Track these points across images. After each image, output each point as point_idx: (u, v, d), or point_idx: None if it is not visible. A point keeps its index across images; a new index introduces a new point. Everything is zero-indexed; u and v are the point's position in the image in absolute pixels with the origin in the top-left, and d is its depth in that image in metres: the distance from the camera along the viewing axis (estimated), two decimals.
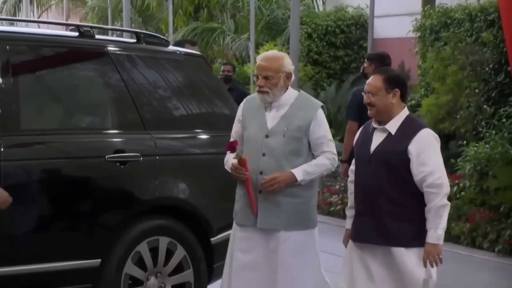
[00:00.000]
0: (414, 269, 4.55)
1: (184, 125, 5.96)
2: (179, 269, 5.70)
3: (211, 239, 5.81)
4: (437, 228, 4.51)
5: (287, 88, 5.03)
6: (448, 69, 11.92)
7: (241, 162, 4.92)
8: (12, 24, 19.62)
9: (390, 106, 4.65)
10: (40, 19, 29.00)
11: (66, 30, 6.15)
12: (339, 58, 17.09)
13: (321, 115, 5.02)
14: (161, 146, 5.66)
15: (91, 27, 5.88)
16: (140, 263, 5.53)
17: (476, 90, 11.69)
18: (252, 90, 13.60)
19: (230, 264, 5.09)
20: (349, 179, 4.92)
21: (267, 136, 4.96)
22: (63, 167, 5.29)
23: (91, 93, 5.70)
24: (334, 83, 16.54)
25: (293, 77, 5.07)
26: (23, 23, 14.73)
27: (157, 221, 5.63)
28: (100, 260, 5.31)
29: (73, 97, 5.60)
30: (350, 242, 4.79)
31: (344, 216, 4.98)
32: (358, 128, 5.04)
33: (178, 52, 6.24)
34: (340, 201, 11.28)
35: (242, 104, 5.20)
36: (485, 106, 11.50)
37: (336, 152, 5.05)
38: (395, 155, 4.57)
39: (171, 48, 6.30)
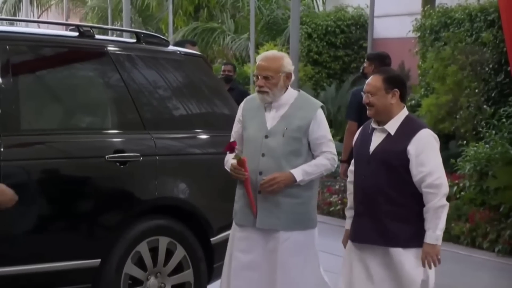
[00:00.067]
0: (412, 270, 4.55)
1: (184, 125, 5.96)
2: (179, 269, 5.70)
3: (211, 239, 5.81)
4: (435, 228, 4.51)
5: (287, 88, 5.03)
6: (448, 69, 11.92)
7: (240, 162, 4.92)
8: (12, 24, 19.62)
9: (389, 106, 4.65)
10: (40, 19, 29.00)
11: (66, 30, 6.15)
12: (339, 58, 17.09)
13: (320, 115, 5.01)
14: (161, 146, 5.66)
15: (91, 27, 5.88)
16: (140, 263, 5.52)
17: (476, 90, 11.69)
18: (252, 90, 13.60)
19: (229, 264, 5.09)
20: (348, 179, 4.91)
21: (266, 137, 4.96)
22: (63, 167, 5.29)
23: (91, 93, 5.70)
24: (334, 83, 16.54)
25: (293, 77, 5.06)
26: (23, 23, 14.74)
27: (157, 221, 5.63)
28: (100, 260, 5.31)
29: (73, 97, 5.60)
30: (349, 243, 4.79)
31: (344, 216, 4.98)
32: (358, 128, 5.04)
33: (178, 52, 6.24)
34: (340, 201, 11.28)
35: (242, 104, 5.20)
36: (485, 106, 11.50)
37: (336, 152, 5.05)
38: (395, 155, 4.57)
39: (171, 48, 6.30)
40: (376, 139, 4.68)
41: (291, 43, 12.26)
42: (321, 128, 4.99)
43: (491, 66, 11.73)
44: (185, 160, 5.86)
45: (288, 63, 5.00)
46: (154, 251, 5.59)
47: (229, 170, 5.02)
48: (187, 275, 5.72)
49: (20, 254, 5.05)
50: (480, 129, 10.69)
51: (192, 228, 5.74)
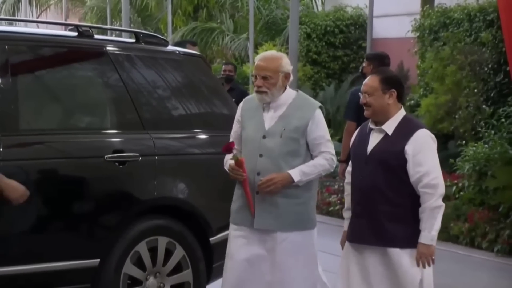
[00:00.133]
0: (410, 270, 4.55)
1: (183, 125, 5.96)
2: (178, 269, 5.70)
3: (210, 239, 5.81)
4: (431, 229, 4.51)
5: (286, 89, 5.03)
6: (447, 69, 11.92)
7: (238, 163, 4.92)
8: (11, 24, 19.61)
9: (387, 106, 4.65)
10: (39, 19, 29.00)
11: (65, 30, 6.15)
12: (338, 58, 17.09)
13: (319, 115, 5.01)
14: (160, 146, 5.66)
15: (90, 27, 5.88)
16: (139, 263, 5.52)
17: (475, 90, 11.70)
18: (251, 90, 13.60)
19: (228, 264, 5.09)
20: (346, 181, 4.92)
21: (264, 137, 4.96)
22: (62, 167, 5.29)
23: (90, 93, 5.70)
24: (333, 83, 16.54)
25: (291, 78, 5.06)
26: (22, 23, 14.74)
27: (156, 221, 5.63)
28: (99, 260, 5.31)
29: (72, 97, 5.60)
30: (347, 243, 4.79)
31: (343, 216, 4.98)
32: (357, 128, 5.04)
33: (177, 52, 6.24)
34: (339, 201, 11.27)
35: (241, 105, 5.21)
36: (484, 106, 11.51)
37: (334, 153, 5.04)
38: (392, 156, 4.57)
39: (170, 48, 6.29)
40: (374, 140, 4.68)
41: (290, 43, 12.26)
42: (319, 128, 4.98)
43: (490, 66, 11.73)
44: (184, 160, 5.86)
45: (286, 63, 5.00)
46: (153, 251, 5.58)
47: (228, 171, 5.02)
48: (186, 275, 5.72)
49: (19, 254, 5.05)
50: (479, 129, 10.69)
51: (191, 228, 5.74)
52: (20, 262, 5.03)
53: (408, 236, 4.55)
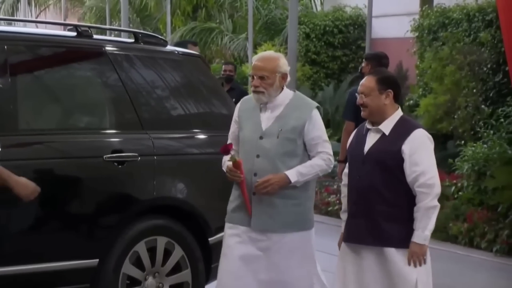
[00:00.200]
0: (406, 270, 4.54)
1: (182, 125, 5.96)
2: (177, 269, 5.70)
3: (209, 239, 5.82)
4: (425, 228, 4.51)
5: (283, 89, 5.02)
6: (446, 69, 11.93)
7: (236, 164, 4.91)
8: (10, 24, 19.61)
9: (383, 107, 4.65)
10: (38, 19, 29.00)
11: (64, 30, 6.15)
12: (337, 58, 17.09)
13: (316, 116, 5.00)
14: (159, 146, 5.66)
15: (89, 27, 5.88)
16: (138, 263, 5.52)
17: (474, 90, 11.70)
18: (250, 90, 13.60)
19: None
20: (343, 183, 4.91)
21: (261, 138, 4.95)
22: (61, 167, 5.29)
23: (89, 93, 5.70)
24: (332, 83, 16.54)
25: (288, 78, 5.05)
26: (21, 23, 14.74)
27: (155, 221, 5.63)
28: (98, 260, 5.31)
29: (71, 97, 5.60)
30: (343, 244, 4.79)
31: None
32: (355, 128, 5.04)
33: (176, 52, 6.24)
34: (338, 201, 11.25)
35: (238, 105, 5.21)
36: (483, 106, 11.51)
37: (331, 153, 5.03)
38: (390, 155, 4.57)
39: (169, 48, 6.29)
40: (371, 140, 4.69)
41: (289, 43, 12.25)
42: (316, 128, 4.98)
43: (489, 66, 11.74)
44: (183, 160, 5.86)
45: (284, 64, 5.00)
46: (152, 251, 5.58)
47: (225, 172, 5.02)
48: (185, 275, 5.72)
49: (18, 254, 5.05)
50: (478, 129, 10.70)
51: (190, 228, 5.74)
52: (19, 262, 5.03)
53: (404, 236, 4.54)
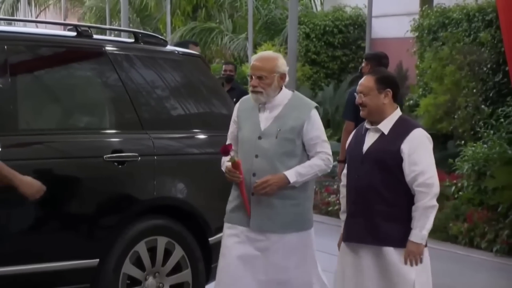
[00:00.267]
0: (404, 270, 4.54)
1: (182, 125, 5.96)
2: (177, 269, 5.70)
3: (209, 239, 5.82)
4: (422, 228, 4.51)
5: (281, 89, 5.02)
6: (446, 69, 11.93)
7: (235, 165, 4.91)
8: (10, 24, 19.61)
9: (382, 106, 4.65)
10: (38, 19, 28.99)
11: (64, 30, 6.15)
12: (337, 58, 17.09)
13: (315, 116, 4.99)
14: (159, 146, 5.66)
15: (89, 27, 5.88)
16: (138, 263, 5.52)
17: (474, 90, 11.70)
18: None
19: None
20: (342, 183, 4.91)
21: (259, 138, 4.95)
22: (61, 167, 5.28)
23: (89, 93, 5.70)
24: (332, 83, 16.54)
25: (287, 78, 5.04)
26: (21, 23, 14.73)
27: (155, 221, 5.63)
28: (98, 260, 5.31)
29: (71, 97, 5.60)
30: (343, 244, 4.79)
31: None
32: (355, 128, 5.04)
33: (176, 52, 6.24)
34: (338, 201, 11.23)
35: (237, 105, 5.20)
36: (483, 106, 11.51)
37: (330, 153, 5.02)
38: (388, 155, 4.57)
39: (169, 48, 6.29)
40: (370, 139, 4.69)
41: (289, 43, 12.25)
42: (315, 128, 4.97)
43: (489, 66, 11.74)
44: (183, 160, 5.86)
45: (282, 64, 4.99)
46: (152, 251, 5.59)
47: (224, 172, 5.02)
48: (186, 275, 5.72)
49: (18, 254, 5.05)
50: (478, 129, 10.70)
51: (191, 228, 5.74)
52: (20, 262, 5.03)
53: (403, 235, 4.54)
